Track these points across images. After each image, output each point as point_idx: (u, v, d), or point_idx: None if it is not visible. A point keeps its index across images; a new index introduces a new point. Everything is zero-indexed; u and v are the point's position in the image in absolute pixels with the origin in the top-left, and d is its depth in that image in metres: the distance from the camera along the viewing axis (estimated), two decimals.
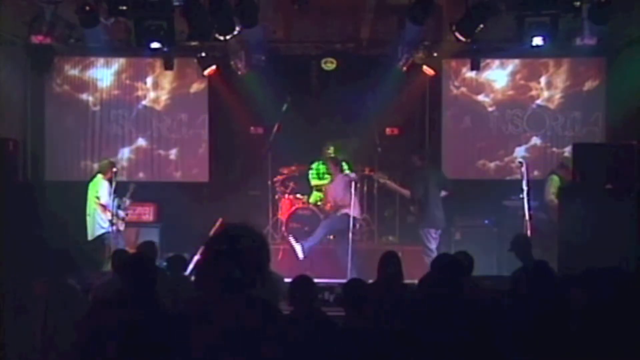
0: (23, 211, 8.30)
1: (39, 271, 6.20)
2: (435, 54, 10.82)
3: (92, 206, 9.73)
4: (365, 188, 10.71)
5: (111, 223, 9.54)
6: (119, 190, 9.77)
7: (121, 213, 9.87)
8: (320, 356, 4.44)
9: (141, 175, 11.62)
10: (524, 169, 9.27)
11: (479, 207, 10.57)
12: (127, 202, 9.97)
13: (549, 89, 11.47)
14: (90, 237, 9.73)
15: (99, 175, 9.86)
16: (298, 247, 9.51)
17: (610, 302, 4.02)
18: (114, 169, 9.81)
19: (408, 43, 10.46)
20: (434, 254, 8.60)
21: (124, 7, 8.75)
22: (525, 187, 9.14)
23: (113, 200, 9.60)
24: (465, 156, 11.58)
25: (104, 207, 9.59)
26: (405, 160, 10.32)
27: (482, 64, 11.27)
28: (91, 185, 9.84)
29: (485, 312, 4.76)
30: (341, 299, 5.31)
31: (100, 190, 9.70)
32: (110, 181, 9.70)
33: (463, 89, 11.56)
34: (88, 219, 9.77)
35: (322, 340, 4.54)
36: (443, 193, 9.55)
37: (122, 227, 9.87)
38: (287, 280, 7.16)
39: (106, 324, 3.99)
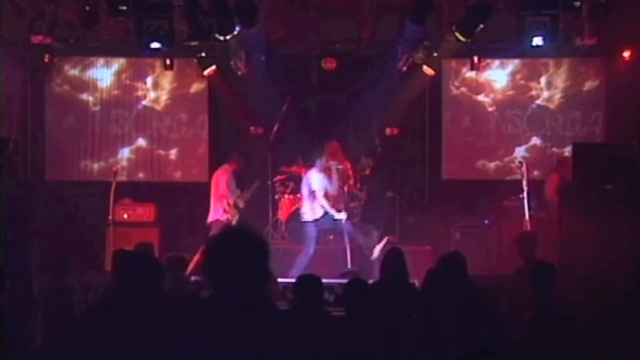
0: (23, 211, 8.29)
1: (39, 271, 6.21)
2: (435, 54, 10.79)
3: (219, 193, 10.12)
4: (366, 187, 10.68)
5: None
6: (119, 190, 9.75)
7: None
8: (322, 356, 4.44)
9: (141, 175, 11.60)
10: (523, 169, 9.29)
11: (479, 207, 10.57)
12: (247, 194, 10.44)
13: (549, 89, 11.45)
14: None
15: (227, 166, 10.34)
16: None
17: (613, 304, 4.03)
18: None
19: (408, 43, 10.45)
20: None
21: (124, 7, 8.77)
22: (525, 187, 9.14)
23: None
24: (465, 156, 11.56)
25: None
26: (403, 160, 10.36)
27: (482, 64, 11.25)
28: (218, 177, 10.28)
29: (486, 312, 4.76)
30: (341, 299, 5.30)
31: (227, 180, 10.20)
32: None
33: (463, 89, 11.55)
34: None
35: (325, 340, 4.53)
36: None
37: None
38: (284, 280, 7.22)
39: (106, 324, 3.99)
